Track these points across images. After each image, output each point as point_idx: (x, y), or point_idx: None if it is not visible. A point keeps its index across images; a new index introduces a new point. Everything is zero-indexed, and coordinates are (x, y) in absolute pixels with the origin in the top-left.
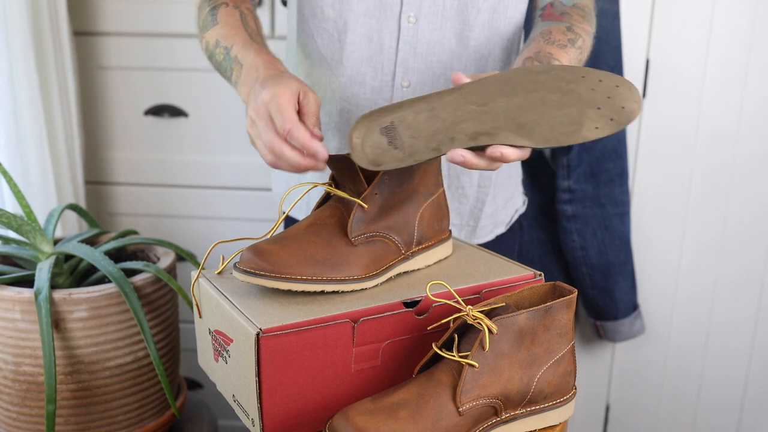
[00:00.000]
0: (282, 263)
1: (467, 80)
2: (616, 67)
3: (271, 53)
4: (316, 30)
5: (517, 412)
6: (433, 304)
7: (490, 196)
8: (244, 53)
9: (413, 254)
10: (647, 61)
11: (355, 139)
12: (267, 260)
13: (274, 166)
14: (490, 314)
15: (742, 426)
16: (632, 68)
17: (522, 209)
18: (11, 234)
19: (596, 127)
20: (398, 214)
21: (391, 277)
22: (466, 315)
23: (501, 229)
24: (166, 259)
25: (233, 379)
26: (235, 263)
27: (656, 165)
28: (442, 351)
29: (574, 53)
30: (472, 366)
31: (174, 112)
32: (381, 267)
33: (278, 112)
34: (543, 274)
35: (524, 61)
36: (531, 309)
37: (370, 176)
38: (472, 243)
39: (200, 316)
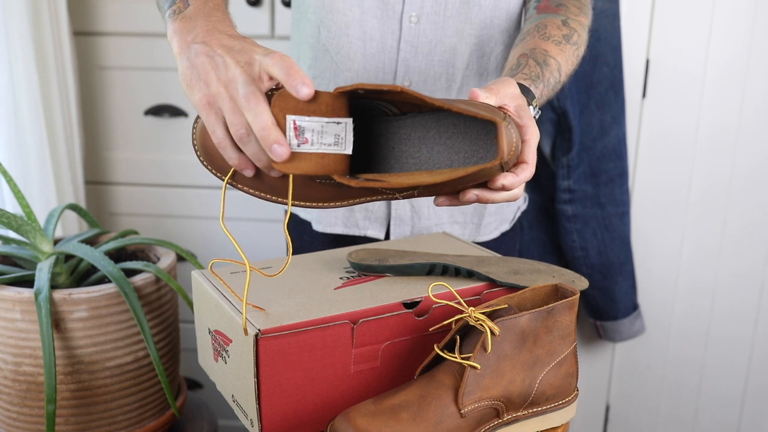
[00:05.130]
0: None
1: (483, 96)
2: (616, 67)
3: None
4: (323, 23)
5: (519, 413)
6: (435, 305)
7: None
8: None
9: None
10: (647, 61)
11: (354, 256)
12: None
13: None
14: (492, 316)
15: (743, 422)
16: (632, 68)
17: (524, 206)
18: (11, 234)
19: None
20: None
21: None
22: (468, 316)
23: (506, 227)
24: (166, 259)
25: (232, 379)
26: None
27: (656, 165)
28: (443, 352)
29: (570, 50)
30: (474, 368)
31: (174, 112)
32: None
33: (293, 71)
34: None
35: (518, 58)
36: (533, 310)
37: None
38: (476, 241)
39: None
